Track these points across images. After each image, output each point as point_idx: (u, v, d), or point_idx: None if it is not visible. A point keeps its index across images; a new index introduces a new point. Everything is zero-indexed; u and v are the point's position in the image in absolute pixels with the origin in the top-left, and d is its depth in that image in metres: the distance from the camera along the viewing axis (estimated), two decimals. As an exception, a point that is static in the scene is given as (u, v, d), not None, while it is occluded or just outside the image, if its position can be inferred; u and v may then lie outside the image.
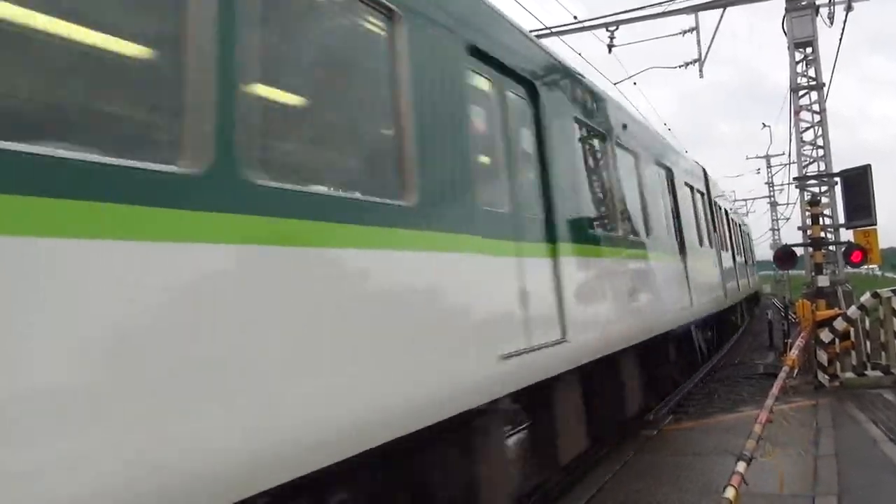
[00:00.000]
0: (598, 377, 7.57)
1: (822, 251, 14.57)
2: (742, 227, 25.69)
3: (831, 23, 17.39)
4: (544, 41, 7.76)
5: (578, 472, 7.80)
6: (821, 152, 17.60)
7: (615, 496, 7.04)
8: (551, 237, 6.40)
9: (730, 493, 3.69)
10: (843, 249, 15.71)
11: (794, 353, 10.02)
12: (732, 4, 18.53)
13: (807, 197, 16.68)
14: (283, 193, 3.35)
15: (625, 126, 9.77)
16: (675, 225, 12.26)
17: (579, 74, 8.37)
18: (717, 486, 6.46)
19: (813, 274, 14.45)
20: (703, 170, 17.40)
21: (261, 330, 3.13)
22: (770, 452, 6.55)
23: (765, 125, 77.37)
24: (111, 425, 2.47)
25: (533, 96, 6.61)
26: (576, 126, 7.75)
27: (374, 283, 3.95)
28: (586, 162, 8.03)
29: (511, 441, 5.80)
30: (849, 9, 16.96)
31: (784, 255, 16.03)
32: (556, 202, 6.54)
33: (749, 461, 4.43)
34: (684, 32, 20.29)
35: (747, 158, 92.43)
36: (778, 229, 57.93)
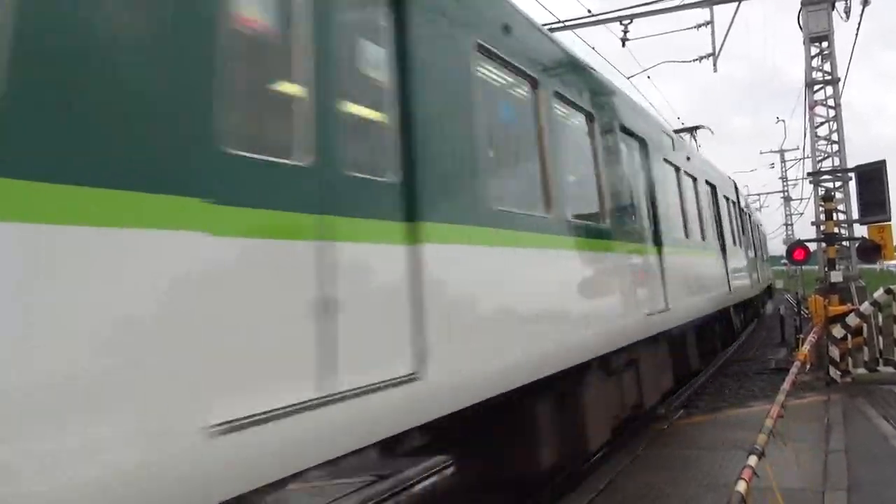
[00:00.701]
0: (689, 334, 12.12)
1: (836, 247, 14.54)
2: (760, 225, 25.66)
3: (847, 17, 17.27)
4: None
5: (590, 465, 7.87)
6: (835, 147, 17.48)
7: (626, 489, 7.10)
8: (657, 242, 9.54)
9: (741, 486, 3.74)
10: (856, 245, 15.67)
11: (805, 349, 10.03)
12: (748, -2, 18.40)
13: (821, 192, 16.62)
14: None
15: (689, 158, 13.45)
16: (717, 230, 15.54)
17: (666, 127, 12.42)
18: (727, 479, 6.52)
19: (826, 269, 14.42)
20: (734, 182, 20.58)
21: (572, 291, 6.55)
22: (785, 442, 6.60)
23: (779, 120, 76.94)
24: None
25: (644, 147, 9.82)
26: (664, 163, 10.97)
27: (612, 271, 7.66)
28: (671, 187, 11.27)
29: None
30: (865, 3, 16.85)
31: (797, 251, 16.01)
32: (658, 217, 9.73)
33: (760, 455, 4.49)
34: (699, 26, 20.19)
35: (761, 153, 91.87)
36: (791, 224, 57.66)
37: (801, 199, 58.05)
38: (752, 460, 4.15)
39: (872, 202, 14.43)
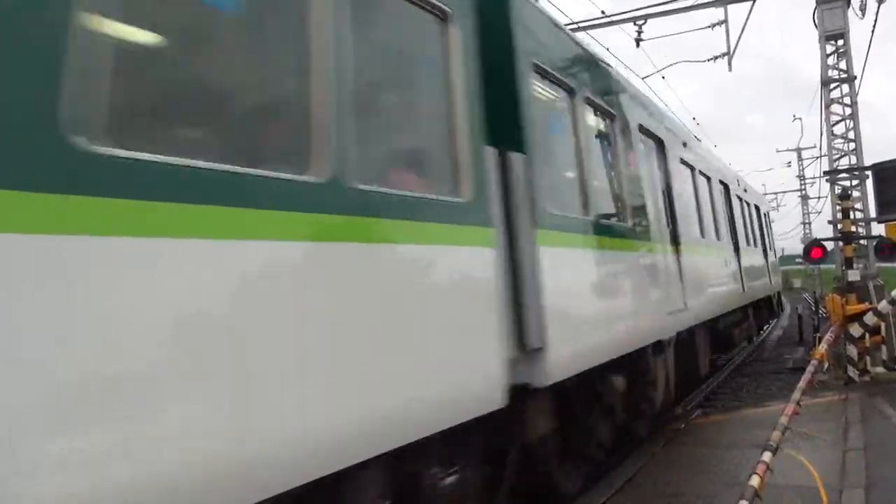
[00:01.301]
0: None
1: (853, 245, 14.48)
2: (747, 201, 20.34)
3: (863, 14, 17.19)
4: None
5: (608, 464, 7.93)
6: (852, 146, 17.41)
7: (644, 487, 7.16)
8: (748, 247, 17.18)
9: (754, 481, 3.79)
10: (874, 243, 15.58)
11: (822, 348, 10.02)
12: (762, -3, 18.31)
13: (837, 191, 16.55)
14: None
15: (746, 190, 18.94)
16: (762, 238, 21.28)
17: (734, 173, 18.44)
18: (744, 477, 6.57)
19: (843, 268, 14.36)
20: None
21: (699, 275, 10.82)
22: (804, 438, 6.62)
23: (796, 118, 76.25)
24: None
25: (726, 188, 15.39)
26: (737, 199, 16.48)
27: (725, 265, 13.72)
28: (741, 213, 16.90)
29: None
30: (881, 0, 16.75)
31: (814, 250, 15.94)
32: (738, 232, 15.44)
33: (775, 451, 4.53)
34: (713, 25, 20.16)
35: (778, 151, 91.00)
36: (809, 223, 57.18)
37: (819, 198, 57.60)
38: (767, 456, 4.20)
39: (890, 200, 14.35)
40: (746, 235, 17.11)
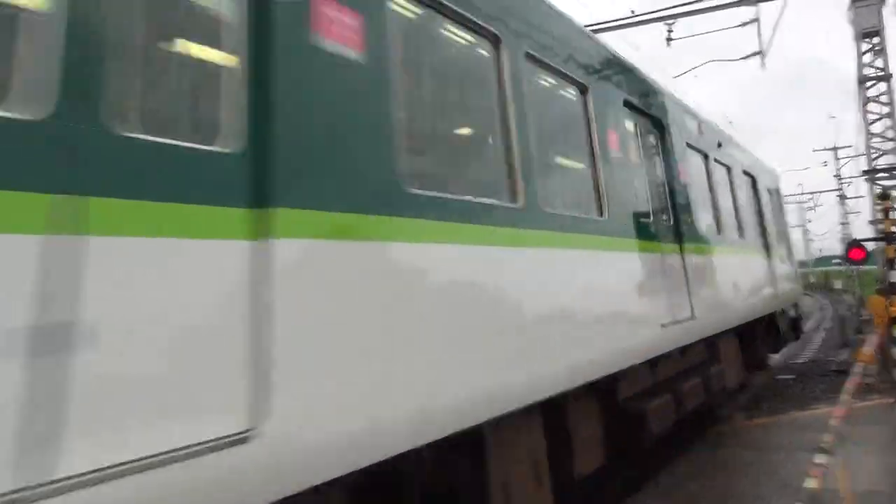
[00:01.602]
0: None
1: (895, 246, 14.27)
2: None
3: (900, 11, 16.97)
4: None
5: (653, 464, 7.95)
6: (891, 144, 17.17)
7: (690, 488, 7.17)
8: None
9: (812, 483, 3.82)
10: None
11: (868, 350, 9.91)
12: (795, -4, 18.18)
13: (877, 190, 16.32)
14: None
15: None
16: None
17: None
18: (793, 481, 6.53)
19: (886, 269, 14.16)
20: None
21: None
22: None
23: (831, 116, 74.85)
24: None
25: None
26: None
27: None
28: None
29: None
30: (918, -5, 16.54)
31: (854, 250, 15.74)
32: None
33: (827, 454, 4.54)
34: (745, 24, 19.97)
35: (814, 151, 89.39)
36: (847, 223, 56.14)
37: (858, 198, 56.53)
38: (821, 458, 4.22)
39: (932, 199, 14.12)
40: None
